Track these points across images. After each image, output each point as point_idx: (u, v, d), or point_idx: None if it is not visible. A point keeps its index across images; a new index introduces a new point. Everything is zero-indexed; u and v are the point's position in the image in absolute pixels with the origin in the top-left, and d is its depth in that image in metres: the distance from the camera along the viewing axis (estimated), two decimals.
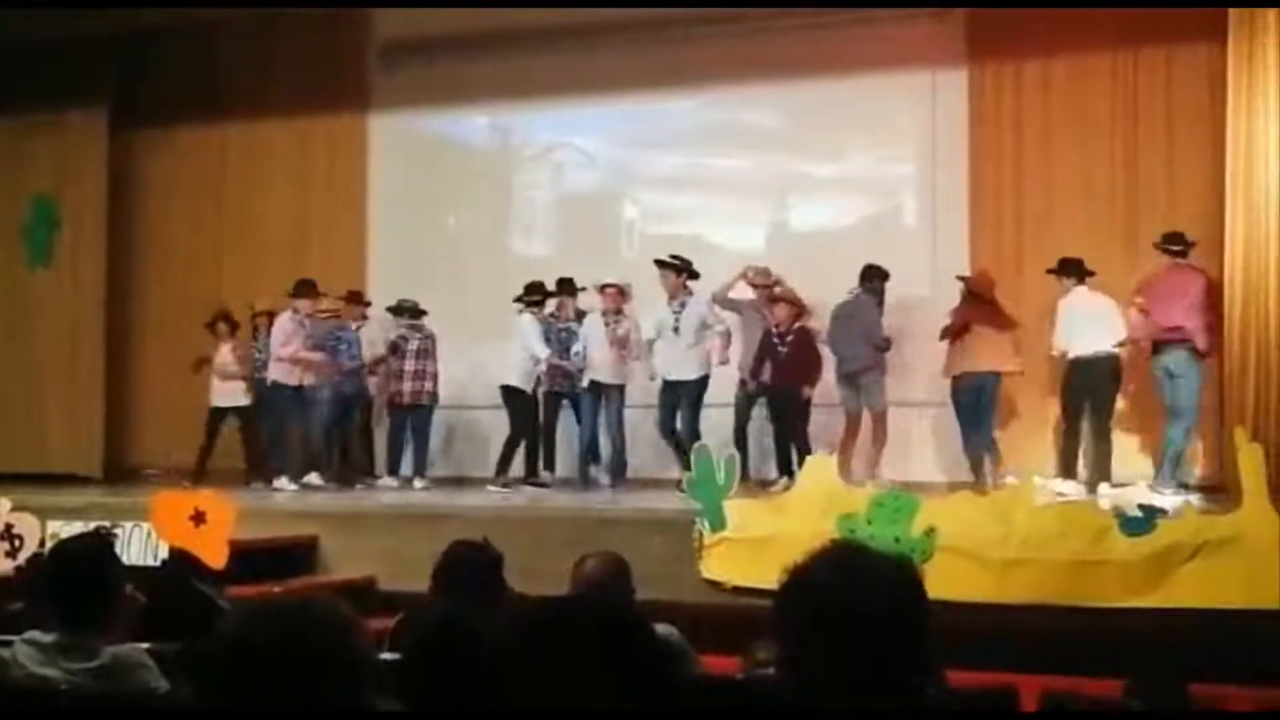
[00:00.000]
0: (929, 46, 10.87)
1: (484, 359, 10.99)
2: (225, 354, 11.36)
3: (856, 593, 1.96)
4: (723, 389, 10.26)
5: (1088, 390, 9.55)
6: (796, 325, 10.10)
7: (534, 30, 11.47)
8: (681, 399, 10.07)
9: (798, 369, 10.01)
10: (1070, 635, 6.58)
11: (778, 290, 10.26)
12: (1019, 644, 6.33)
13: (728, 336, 10.22)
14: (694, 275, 10.16)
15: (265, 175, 12.59)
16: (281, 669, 1.91)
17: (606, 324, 10.42)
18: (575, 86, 11.63)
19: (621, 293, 10.52)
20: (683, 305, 10.08)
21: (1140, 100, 10.31)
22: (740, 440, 9.96)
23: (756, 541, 7.42)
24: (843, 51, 10.89)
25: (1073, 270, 9.58)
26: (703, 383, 10.08)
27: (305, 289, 10.99)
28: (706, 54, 11.23)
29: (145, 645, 3.69)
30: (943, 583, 6.07)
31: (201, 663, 2.08)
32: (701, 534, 7.69)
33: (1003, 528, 7.28)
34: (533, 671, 1.75)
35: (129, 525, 7.69)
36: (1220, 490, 8.81)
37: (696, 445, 8.38)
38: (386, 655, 3.98)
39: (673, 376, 10.09)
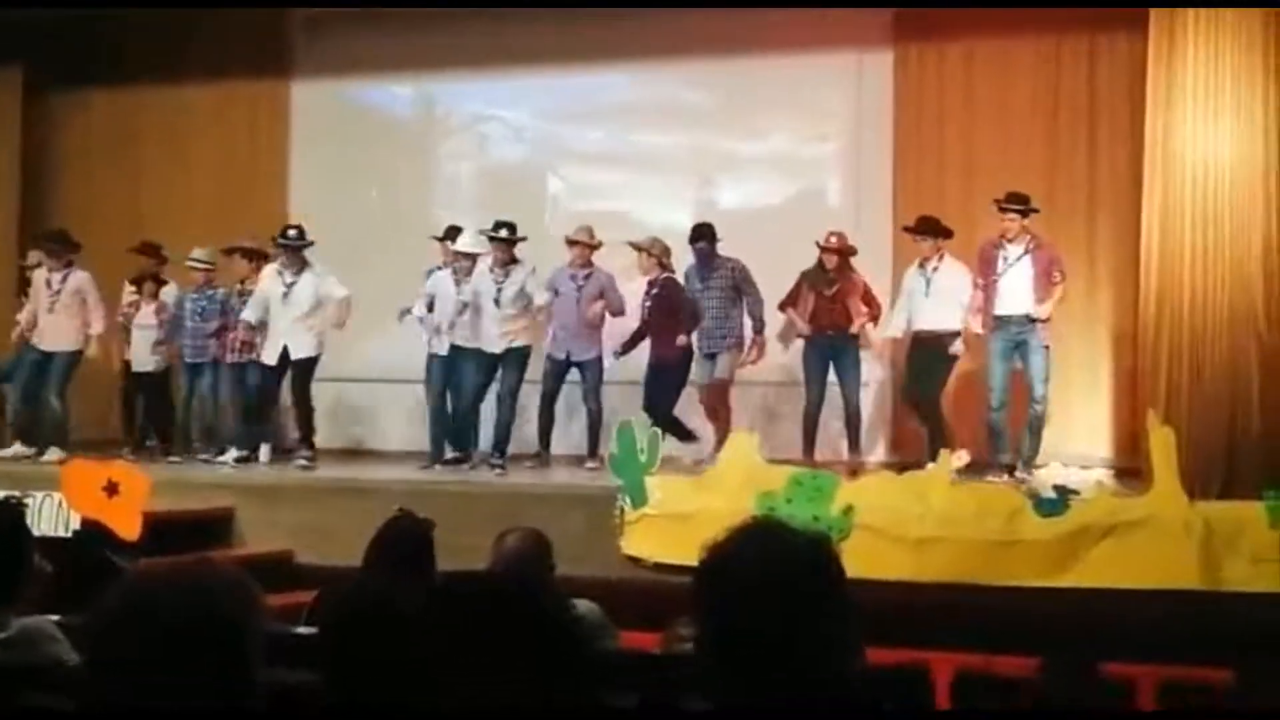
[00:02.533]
0: (856, 28, 10.90)
1: (399, 331, 10.82)
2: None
3: (775, 569, 1.96)
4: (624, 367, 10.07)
5: (927, 368, 9.50)
6: (663, 276, 9.74)
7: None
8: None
9: (669, 317, 9.60)
10: (984, 613, 6.69)
11: (635, 242, 9.84)
12: (934, 621, 6.42)
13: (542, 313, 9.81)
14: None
15: (186, 141, 12.35)
16: (165, 636, 1.87)
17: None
18: (502, 58, 11.52)
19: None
20: (506, 275, 9.65)
21: (1062, 87, 10.45)
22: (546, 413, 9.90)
23: (677, 518, 7.46)
24: (771, 31, 10.87)
25: (931, 230, 9.53)
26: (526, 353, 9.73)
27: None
28: (635, 30, 11.17)
29: (55, 618, 3.63)
30: (860, 561, 6.12)
31: (86, 631, 2.03)
32: (623, 510, 7.72)
33: (919, 507, 7.39)
34: (441, 647, 1.74)
35: (40, 495, 7.58)
36: (1133, 473, 8.95)
37: (620, 422, 8.37)
38: (304, 629, 3.96)
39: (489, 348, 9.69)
